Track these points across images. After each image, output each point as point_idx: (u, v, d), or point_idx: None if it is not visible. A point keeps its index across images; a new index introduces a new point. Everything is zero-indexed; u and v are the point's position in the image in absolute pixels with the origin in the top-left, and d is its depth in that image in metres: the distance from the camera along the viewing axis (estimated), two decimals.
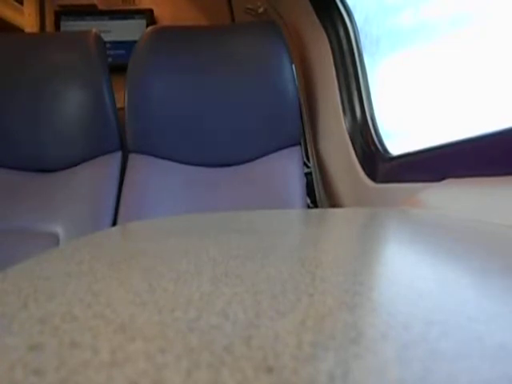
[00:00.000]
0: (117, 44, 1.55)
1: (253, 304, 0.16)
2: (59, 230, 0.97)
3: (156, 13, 1.59)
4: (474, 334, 0.13)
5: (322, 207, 1.20)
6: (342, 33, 1.04)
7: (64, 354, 0.12)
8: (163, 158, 1.06)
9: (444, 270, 0.21)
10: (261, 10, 1.39)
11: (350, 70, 1.01)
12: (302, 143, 1.21)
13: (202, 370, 0.11)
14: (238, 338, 0.13)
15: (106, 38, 1.41)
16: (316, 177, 1.24)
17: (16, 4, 2.21)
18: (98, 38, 1.13)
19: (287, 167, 1.02)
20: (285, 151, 1.05)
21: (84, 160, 1.08)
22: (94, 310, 0.16)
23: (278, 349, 0.12)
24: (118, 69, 1.36)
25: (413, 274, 0.20)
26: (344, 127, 1.00)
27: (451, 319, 0.14)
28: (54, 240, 0.95)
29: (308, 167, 1.27)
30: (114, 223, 0.97)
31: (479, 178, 0.49)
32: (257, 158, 1.07)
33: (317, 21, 1.08)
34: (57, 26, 1.57)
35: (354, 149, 0.97)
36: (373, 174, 0.87)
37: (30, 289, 0.19)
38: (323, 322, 0.14)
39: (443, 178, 0.56)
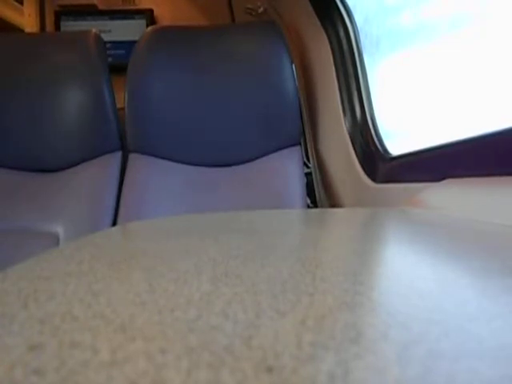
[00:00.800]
0: (117, 44, 1.55)
1: (253, 304, 0.16)
2: (59, 229, 0.97)
3: (156, 13, 1.59)
4: (473, 334, 0.13)
5: (322, 207, 1.20)
6: (342, 33, 1.04)
7: (64, 354, 0.12)
8: (163, 157, 1.06)
9: (444, 270, 0.21)
10: (261, 10, 1.40)
11: (350, 70, 1.01)
12: (302, 143, 1.21)
13: (202, 369, 0.11)
14: (238, 338, 0.13)
15: (106, 38, 1.41)
16: (316, 177, 1.24)
17: (16, 4, 2.21)
18: (98, 37, 1.13)
19: (287, 167, 1.02)
20: (285, 151, 1.05)
21: (84, 160, 1.08)
22: (94, 310, 0.16)
23: (277, 349, 0.12)
24: (118, 69, 1.36)
25: (413, 274, 0.20)
26: (344, 127, 1.00)
27: (451, 319, 0.14)
28: (54, 240, 0.95)
29: (308, 167, 1.27)
30: (114, 223, 0.97)
31: (479, 178, 0.49)
32: (257, 157, 1.07)
33: (317, 21, 1.08)
34: (57, 26, 1.57)
35: (354, 149, 0.97)
36: (373, 174, 0.87)
37: (30, 289, 0.19)
38: (323, 321, 0.14)
39: (443, 178, 0.56)
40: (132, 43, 1.14)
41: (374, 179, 0.86)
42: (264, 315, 0.15)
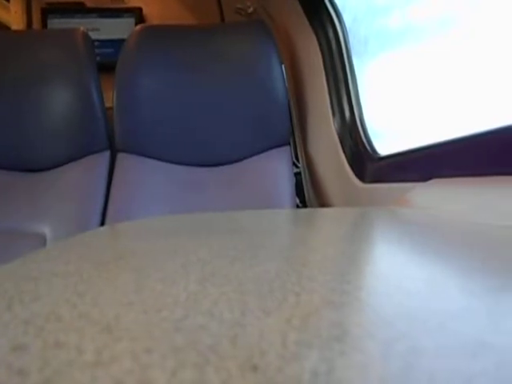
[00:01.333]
0: (105, 42, 1.54)
1: (239, 303, 0.16)
2: (46, 230, 0.96)
3: (145, 11, 1.59)
4: (455, 331, 0.13)
5: (311, 207, 1.21)
6: (331, 34, 1.04)
7: (48, 354, 0.12)
8: (152, 157, 1.06)
9: (431, 268, 0.22)
10: (250, 9, 1.40)
11: (339, 70, 1.02)
12: (292, 143, 1.22)
13: (188, 369, 0.11)
14: (223, 337, 0.13)
15: (94, 36, 1.40)
16: (305, 177, 1.24)
17: (2, 1, 2.17)
18: (86, 36, 1.12)
19: (276, 167, 1.02)
20: (274, 151, 1.05)
21: (72, 159, 1.07)
22: (80, 311, 0.16)
23: (263, 347, 0.12)
24: (106, 67, 1.35)
25: (401, 274, 0.21)
26: (333, 128, 1.01)
27: (434, 318, 0.15)
28: (41, 240, 0.94)
29: (297, 167, 1.28)
30: (103, 223, 0.97)
31: (465, 178, 0.50)
32: (246, 157, 1.07)
33: (306, 22, 1.08)
34: (44, 24, 1.55)
35: (343, 149, 0.97)
36: (361, 174, 0.88)
37: (16, 290, 0.18)
38: (309, 320, 0.14)
39: (430, 178, 0.57)
40: (120, 42, 1.13)
41: (362, 179, 0.87)
42: (250, 314, 0.15)
